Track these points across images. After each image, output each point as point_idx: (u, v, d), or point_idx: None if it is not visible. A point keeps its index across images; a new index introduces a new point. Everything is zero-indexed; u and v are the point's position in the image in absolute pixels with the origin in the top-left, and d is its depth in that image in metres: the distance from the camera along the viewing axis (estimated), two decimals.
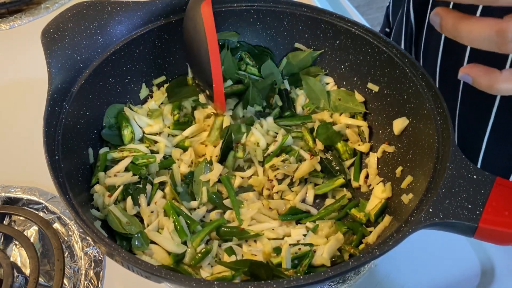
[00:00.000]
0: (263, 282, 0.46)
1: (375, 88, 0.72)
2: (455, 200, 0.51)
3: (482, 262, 0.66)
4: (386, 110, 0.71)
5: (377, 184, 0.67)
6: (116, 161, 0.69)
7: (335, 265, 0.50)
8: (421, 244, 0.64)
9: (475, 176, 0.52)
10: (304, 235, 0.63)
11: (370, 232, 0.61)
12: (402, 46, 0.89)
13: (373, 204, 0.64)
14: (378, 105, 0.72)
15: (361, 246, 0.60)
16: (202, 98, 0.75)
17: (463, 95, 0.76)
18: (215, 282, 0.46)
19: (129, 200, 0.64)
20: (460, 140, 0.80)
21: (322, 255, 0.60)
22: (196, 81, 0.76)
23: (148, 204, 0.66)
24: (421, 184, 0.57)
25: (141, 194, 0.66)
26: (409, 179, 0.62)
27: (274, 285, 0.46)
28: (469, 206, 0.50)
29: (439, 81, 0.80)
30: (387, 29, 1.01)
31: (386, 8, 1.04)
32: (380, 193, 0.65)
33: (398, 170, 0.65)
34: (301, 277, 0.47)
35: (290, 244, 0.61)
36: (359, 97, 0.74)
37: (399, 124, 0.67)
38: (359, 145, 0.72)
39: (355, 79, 0.75)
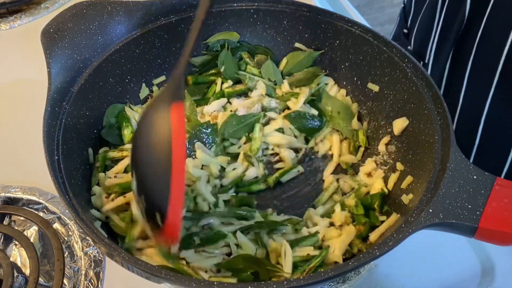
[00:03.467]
0: (263, 282, 0.46)
1: (375, 88, 0.72)
2: (455, 201, 0.51)
3: (482, 262, 0.66)
4: (386, 110, 0.71)
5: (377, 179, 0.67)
6: (116, 161, 0.69)
7: (335, 266, 0.50)
8: (421, 244, 0.64)
9: (475, 176, 0.52)
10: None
11: (382, 221, 0.61)
12: (429, 46, 0.87)
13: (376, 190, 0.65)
14: (378, 105, 0.72)
15: (372, 236, 0.60)
16: (146, 228, 0.55)
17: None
18: (215, 283, 0.46)
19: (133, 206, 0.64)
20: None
21: (334, 252, 0.59)
22: (139, 201, 0.53)
23: None
24: (421, 184, 0.57)
25: None
26: (409, 179, 0.62)
27: (274, 286, 0.46)
28: (469, 206, 0.50)
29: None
30: (405, 30, 0.99)
31: (402, 8, 1.01)
32: (378, 186, 0.65)
33: (399, 166, 0.65)
34: (301, 277, 0.47)
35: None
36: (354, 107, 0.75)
37: (399, 124, 0.67)
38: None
39: (355, 79, 0.75)
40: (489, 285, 0.64)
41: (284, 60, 0.79)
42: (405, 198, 0.60)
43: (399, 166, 0.66)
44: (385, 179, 0.67)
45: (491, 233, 0.50)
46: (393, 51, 0.67)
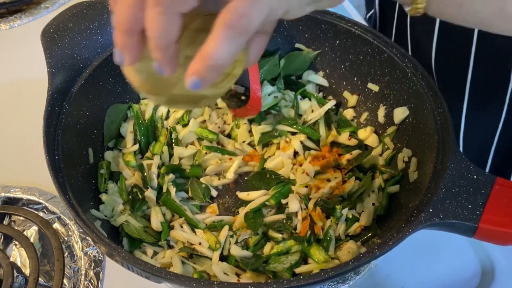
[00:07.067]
0: (263, 282, 0.46)
1: (375, 88, 0.72)
2: (455, 200, 0.51)
3: (482, 262, 0.66)
4: (386, 110, 0.71)
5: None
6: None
7: (335, 266, 0.50)
8: (421, 244, 0.64)
9: (475, 176, 0.52)
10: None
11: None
12: (394, 29, 0.87)
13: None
14: (378, 105, 0.72)
15: None
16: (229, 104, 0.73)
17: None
18: (215, 282, 0.47)
19: (153, 213, 0.65)
20: None
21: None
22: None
23: None
24: (422, 184, 0.57)
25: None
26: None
27: (274, 285, 0.46)
28: (469, 206, 0.50)
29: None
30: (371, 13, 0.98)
31: None
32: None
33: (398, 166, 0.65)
34: (301, 277, 0.47)
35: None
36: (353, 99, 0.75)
37: (400, 114, 0.67)
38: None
39: (355, 79, 0.75)
40: (489, 285, 0.64)
41: (282, 61, 0.79)
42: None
43: (399, 165, 0.66)
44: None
45: (491, 233, 0.50)
46: (393, 51, 0.67)
